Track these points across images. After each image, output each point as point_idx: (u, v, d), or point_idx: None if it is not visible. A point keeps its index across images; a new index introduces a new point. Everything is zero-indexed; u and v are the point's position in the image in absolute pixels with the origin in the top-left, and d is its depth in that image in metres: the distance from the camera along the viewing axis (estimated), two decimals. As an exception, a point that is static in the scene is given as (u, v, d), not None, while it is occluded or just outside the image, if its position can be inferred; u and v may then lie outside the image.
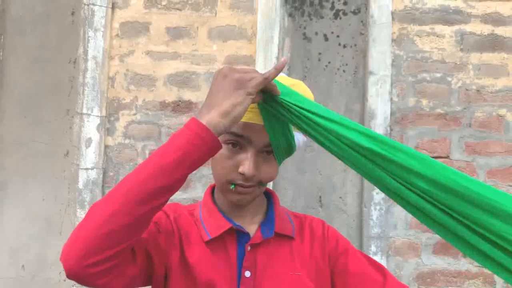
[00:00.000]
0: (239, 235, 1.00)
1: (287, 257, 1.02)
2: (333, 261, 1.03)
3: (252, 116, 0.94)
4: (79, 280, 0.83)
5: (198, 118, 0.87)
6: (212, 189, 1.09)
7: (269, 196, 1.09)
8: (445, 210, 0.81)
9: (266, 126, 0.94)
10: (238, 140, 0.95)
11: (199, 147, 0.85)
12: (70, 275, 0.83)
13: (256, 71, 0.90)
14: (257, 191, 0.99)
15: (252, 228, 1.03)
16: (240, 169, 0.94)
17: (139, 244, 0.92)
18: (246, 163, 0.94)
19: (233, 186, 0.96)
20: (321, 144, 0.92)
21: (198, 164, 0.87)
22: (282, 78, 0.96)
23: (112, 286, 0.88)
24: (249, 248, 0.99)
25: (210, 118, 0.86)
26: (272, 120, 0.93)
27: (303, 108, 0.90)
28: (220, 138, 0.93)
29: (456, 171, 0.80)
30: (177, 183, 0.86)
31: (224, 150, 0.95)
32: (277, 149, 0.96)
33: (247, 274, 0.98)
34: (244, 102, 0.87)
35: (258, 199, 1.04)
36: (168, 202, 0.93)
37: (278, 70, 0.89)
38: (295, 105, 0.90)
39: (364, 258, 1.06)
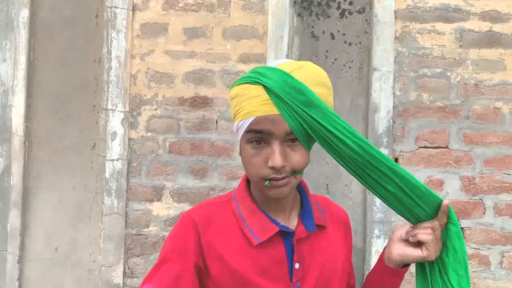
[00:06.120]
0: (284, 231, 1.02)
1: (325, 244, 1.06)
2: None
3: (267, 109, 0.93)
4: None
5: None
6: (247, 180, 1.07)
7: (299, 184, 1.09)
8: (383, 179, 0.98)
9: (282, 115, 0.92)
10: (260, 136, 0.95)
11: None
12: None
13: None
14: (293, 181, 0.97)
15: (293, 220, 1.04)
16: (269, 163, 0.93)
17: None
18: (273, 156, 0.93)
19: (267, 182, 0.95)
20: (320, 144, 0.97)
21: None
22: (290, 64, 0.96)
23: None
24: (295, 242, 1.01)
25: None
26: (287, 107, 0.92)
27: (313, 118, 0.93)
28: (243, 138, 0.97)
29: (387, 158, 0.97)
30: None
31: (249, 149, 0.96)
32: (300, 134, 0.94)
33: (297, 266, 1.01)
34: None
35: (293, 189, 1.04)
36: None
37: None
38: (305, 112, 0.93)
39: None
